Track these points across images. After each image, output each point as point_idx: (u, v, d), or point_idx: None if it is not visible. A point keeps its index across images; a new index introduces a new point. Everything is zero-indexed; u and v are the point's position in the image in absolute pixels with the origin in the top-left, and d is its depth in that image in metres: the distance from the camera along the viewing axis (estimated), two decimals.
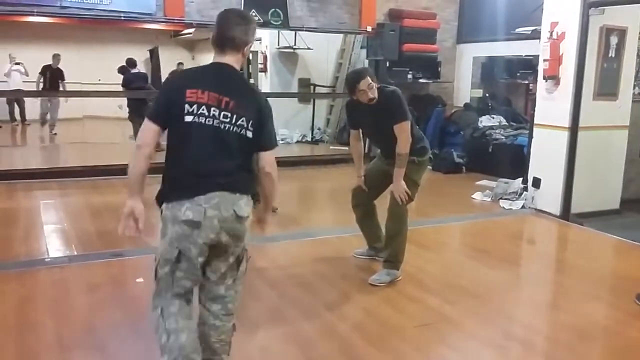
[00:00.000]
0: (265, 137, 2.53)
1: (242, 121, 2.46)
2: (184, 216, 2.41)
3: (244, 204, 2.48)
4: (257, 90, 2.90)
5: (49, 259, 4.60)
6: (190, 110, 2.42)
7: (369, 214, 4.54)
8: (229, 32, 2.52)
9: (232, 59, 2.53)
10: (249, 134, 2.47)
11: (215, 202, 2.41)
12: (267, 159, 2.55)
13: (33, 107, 13.11)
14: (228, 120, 2.44)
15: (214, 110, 2.42)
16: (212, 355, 2.63)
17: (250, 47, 2.62)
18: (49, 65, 11.72)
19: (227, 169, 2.46)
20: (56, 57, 11.76)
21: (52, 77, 11.73)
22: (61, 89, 11.88)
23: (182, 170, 2.49)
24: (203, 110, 2.42)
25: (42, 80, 11.74)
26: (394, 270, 4.22)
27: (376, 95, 4.03)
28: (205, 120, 2.42)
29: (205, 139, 2.44)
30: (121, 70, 10.66)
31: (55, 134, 12.09)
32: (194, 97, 2.43)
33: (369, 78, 3.99)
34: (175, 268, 2.51)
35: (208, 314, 2.62)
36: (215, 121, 2.43)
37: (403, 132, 4.01)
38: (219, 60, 2.54)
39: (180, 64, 13.39)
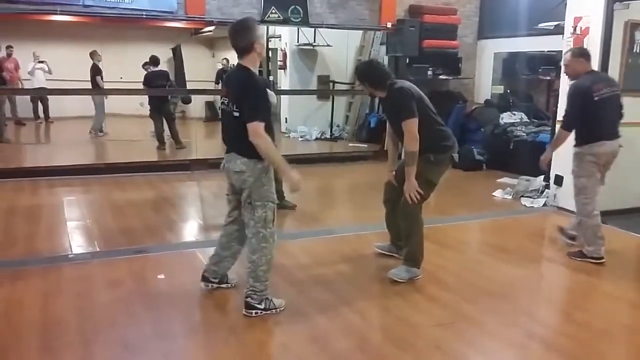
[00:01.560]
0: (245, 114, 3.33)
1: (232, 105, 3.42)
2: None
3: (240, 163, 3.44)
4: (245, 80, 3.41)
5: (72, 255, 4.67)
6: (221, 101, 3.59)
7: (397, 210, 4.50)
8: (234, 43, 3.44)
9: (245, 60, 3.44)
10: (236, 114, 3.38)
11: (230, 159, 3.53)
12: (249, 130, 3.30)
13: (56, 104, 13.32)
14: (229, 106, 3.45)
15: (224, 99, 3.54)
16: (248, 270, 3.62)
17: (258, 42, 3.43)
18: (95, 64, 11.39)
19: (232, 138, 3.52)
20: (96, 53, 11.46)
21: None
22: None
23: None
24: (222, 99, 3.58)
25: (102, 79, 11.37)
26: (414, 268, 4.20)
27: (375, 92, 4.20)
28: (223, 107, 3.55)
29: (224, 119, 3.57)
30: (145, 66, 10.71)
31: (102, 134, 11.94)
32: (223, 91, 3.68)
33: (357, 78, 4.39)
34: (228, 194, 3.75)
35: (245, 230, 3.64)
36: (224, 107, 3.51)
37: (407, 130, 3.96)
38: (239, 61, 3.48)
39: (224, 59, 13.37)
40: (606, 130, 4.70)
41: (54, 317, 3.51)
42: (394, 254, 4.56)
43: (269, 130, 3.45)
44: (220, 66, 13.62)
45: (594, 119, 4.59)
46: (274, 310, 3.56)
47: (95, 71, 11.28)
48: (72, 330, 3.34)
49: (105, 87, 11.82)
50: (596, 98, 4.56)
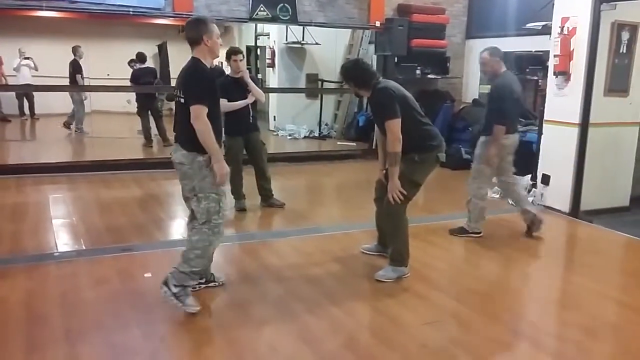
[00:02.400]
0: (187, 98, 3.40)
1: (179, 92, 3.48)
2: None
3: (180, 154, 3.49)
4: (191, 67, 3.51)
5: (57, 253, 4.63)
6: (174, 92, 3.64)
7: None
8: (186, 35, 3.56)
9: (196, 52, 3.52)
10: (182, 101, 3.45)
11: (175, 149, 3.57)
12: (191, 113, 3.36)
13: (42, 101, 13.20)
14: (177, 94, 3.51)
15: (176, 90, 3.56)
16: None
17: (209, 38, 3.48)
18: (76, 60, 11.12)
19: (178, 128, 3.61)
20: (79, 48, 11.20)
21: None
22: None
23: None
24: (175, 90, 3.62)
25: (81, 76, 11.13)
26: (400, 267, 4.20)
27: (359, 92, 4.24)
28: (175, 98, 3.56)
29: (176, 109, 3.68)
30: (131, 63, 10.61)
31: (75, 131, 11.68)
32: None
33: (342, 77, 4.42)
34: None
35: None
36: (176, 97, 3.55)
37: (389, 130, 3.96)
38: (192, 54, 3.54)
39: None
40: (514, 124, 5.21)
41: (40, 315, 3.47)
42: (382, 253, 4.56)
43: (215, 118, 3.46)
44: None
45: (509, 114, 5.06)
46: (181, 305, 3.48)
47: (75, 68, 11.07)
48: (57, 328, 3.31)
49: (92, 85, 11.73)
50: (515, 96, 5.08)
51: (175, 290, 3.48)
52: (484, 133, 5.21)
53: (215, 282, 3.96)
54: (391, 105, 3.96)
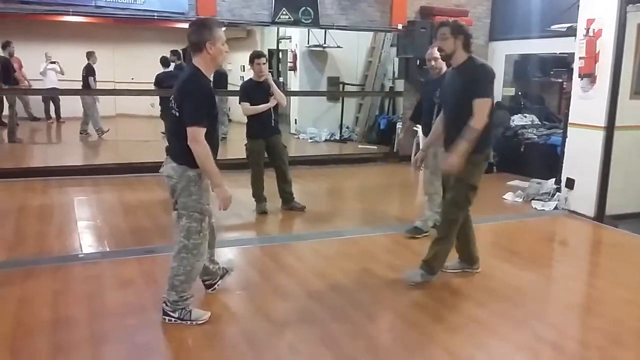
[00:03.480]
0: (184, 116, 3.19)
1: (173, 104, 3.27)
2: None
3: (169, 167, 3.34)
4: (188, 79, 3.29)
5: (82, 255, 4.70)
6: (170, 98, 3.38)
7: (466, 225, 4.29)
8: (188, 39, 3.28)
9: (196, 60, 3.28)
10: (177, 114, 3.24)
11: (165, 162, 3.42)
12: (188, 134, 3.16)
13: (68, 104, 13.41)
14: (172, 106, 3.29)
15: (171, 100, 3.32)
16: None
17: (212, 44, 3.22)
18: (89, 64, 11.48)
19: (169, 139, 3.47)
20: (93, 54, 11.54)
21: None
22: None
23: None
24: (171, 97, 3.36)
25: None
26: (430, 275, 4.12)
27: (456, 54, 3.97)
28: (170, 105, 3.33)
29: (168, 118, 3.44)
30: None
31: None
32: None
33: (450, 30, 3.91)
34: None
35: None
36: (170, 105, 3.31)
37: (480, 110, 3.76)
38: (192, 60, 3.31)
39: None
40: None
41: (64, 316, 3.53)
42: (466, 269, 4.41)
43: (212, 135, 3.27)
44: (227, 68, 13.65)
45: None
46: (188, 322, 3.42)
47: (89, 71, 11.36)
48: (82, 329, 3.36)
49: (116, 89, 11.91)
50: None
51: (176, 315, 3.42)
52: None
53: (227, 272, 4.01)
54: (489, 85, 3.87)
